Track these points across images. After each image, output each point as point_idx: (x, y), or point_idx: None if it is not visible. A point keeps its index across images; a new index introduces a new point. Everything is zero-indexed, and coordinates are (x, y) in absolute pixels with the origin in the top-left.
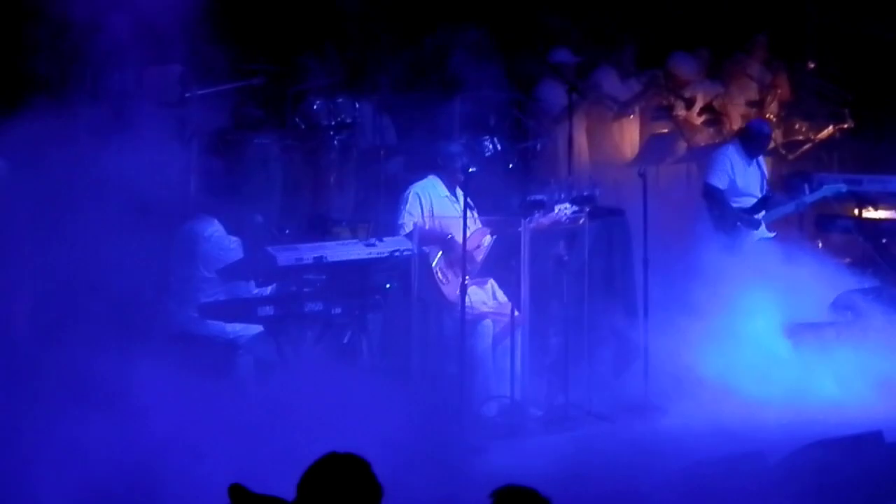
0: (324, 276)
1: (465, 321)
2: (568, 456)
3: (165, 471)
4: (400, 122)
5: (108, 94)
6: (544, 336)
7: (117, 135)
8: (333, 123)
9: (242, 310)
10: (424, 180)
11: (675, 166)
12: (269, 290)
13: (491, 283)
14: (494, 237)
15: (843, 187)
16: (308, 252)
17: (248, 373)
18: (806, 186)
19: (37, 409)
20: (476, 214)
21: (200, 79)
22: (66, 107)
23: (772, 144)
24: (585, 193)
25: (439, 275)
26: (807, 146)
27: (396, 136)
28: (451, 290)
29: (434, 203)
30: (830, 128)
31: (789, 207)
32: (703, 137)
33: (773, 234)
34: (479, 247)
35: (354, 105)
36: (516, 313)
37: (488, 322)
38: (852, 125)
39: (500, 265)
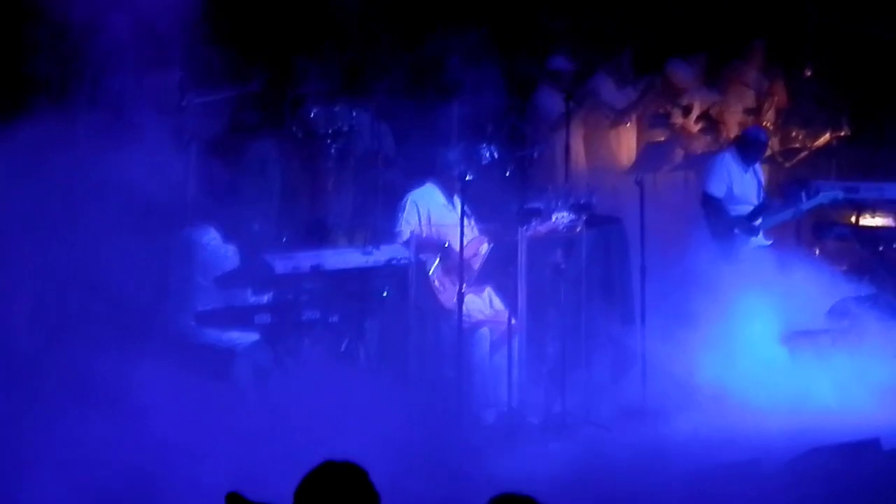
0: (321, 284)
1: (462, 329)
2: (566, 463)
3: (162, 478)
4: (397, 129)
5: (107, 99)
6: (542, 343)
7: (115, 140)
8: (331, 131)
9: (239, 317)
10: (422, 188)
11: (671, 174)
12: (266, 297)
13: (488, 291)
14: (491, 245)
15: (840, 194)
16: (305, 260)
17: (246, 380)
18: (803, 193)
19: (33, 415)
20: (473, 222)
21: (198, 85)
22: (64, 112)
23: (769, 152)
24: (582, 201)
25: (436, 282)
26: (804, 153)
27: (394, 144)
28: (448, 297)
29: (431, 210)
30: (827, 135)
31: (786, 214)
32: (700, 145)
33: (770, 242)
34: (476, 254)
35: (352, 112)
36: (513, 321)
37: (485, 330)
38: (849, 132)
39: (497, 273)
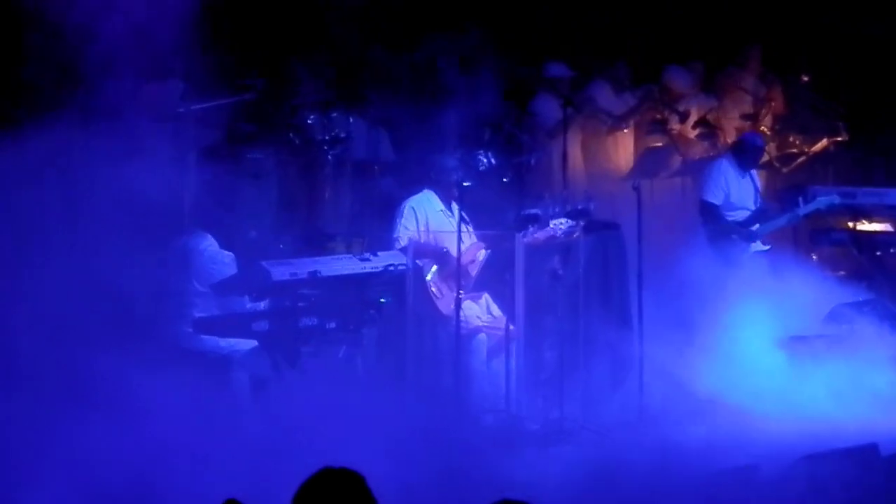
0: (318, 291)
1: (460, 335)
2: (564, 469)
3: (160, 484)
4: (395, 136)
5: (104, 107)
6: (539, 350)
7: (113, 148)
8: (327, 138)
9: (237, 325)
10: (420, 194)
11: (669, 180)
12: (263, 304)
13: (485, 298)
14: (489, 251)
15: (837, 199)
16: (302, 267)
17: (243, 388)
18: (800, 199)
19: (30, 419)
20: (471, 228)
21: (195, 93)
22: (61, 119)
23: (766, 157)
24: (580, 207)
25: (434, 289)
26: (801, 159)
27: (391, 151)
28: (445, 304)
29: (429, 217)
30: (825, 140)
31: (783, 220)
32: (698, 151)
33: (767, 247)
34: (473, 261)
35: (348, 119)
36: (511, 327)
37: (483, 336)
38: (846, 138)
39: (494, 279)
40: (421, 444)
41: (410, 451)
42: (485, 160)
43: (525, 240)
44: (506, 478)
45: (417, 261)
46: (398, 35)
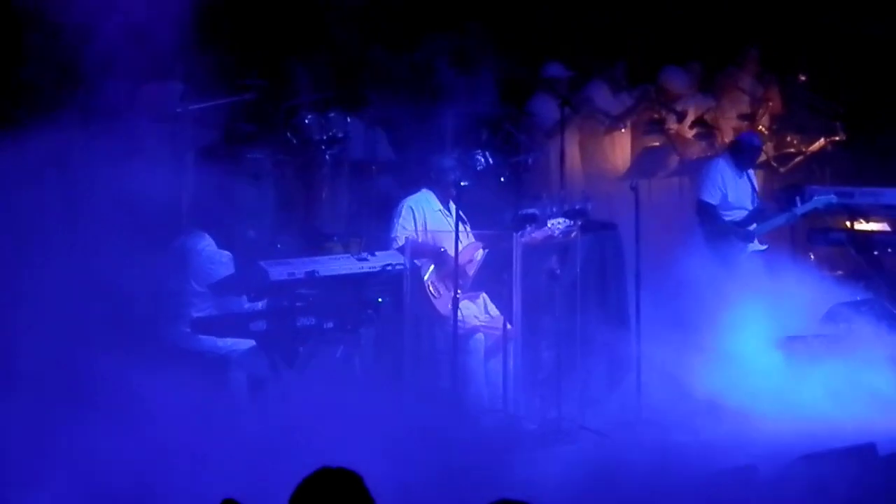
0: (316, 291)
1: (457, 335)
2: (561, 469)
3: (158, 484)
4: (393, 136)
5: (102, 107)
6: (537, 350)
7: (111, 148)
8: (325, 138)
9: (234, 324)
10: (417, 194)
11: (667, 180)
12: (261, 304)
13: (483, 297)
14: (486, 251)
15: (834, 199)
16: (300, 266)
17: (241, 388)
18: (798, 199)
19: (24, 421)
20: (469, 228)
21: (193, 94)
22: (59, 121)
23: (763, 157)
24: (577, 207)
25: (431, 289)
26: (798, 159)
27: (390, 150)
28: (442, 303)
29: (427, 216)
30: (822, 140)
31: (780, 219)
32: (695, 151)
33: (765, 247)
34: (471, 261)
35: (346, 119)
36: (509, 326)
37: (480, 336)
38: (844, 137)
39: (492, 279)
40: (418, 443)
41: (408, 450)
42: (482, 160)
43: (523, 239)
44: (503, 478)
45: (415, 260)
46: (396, 35)
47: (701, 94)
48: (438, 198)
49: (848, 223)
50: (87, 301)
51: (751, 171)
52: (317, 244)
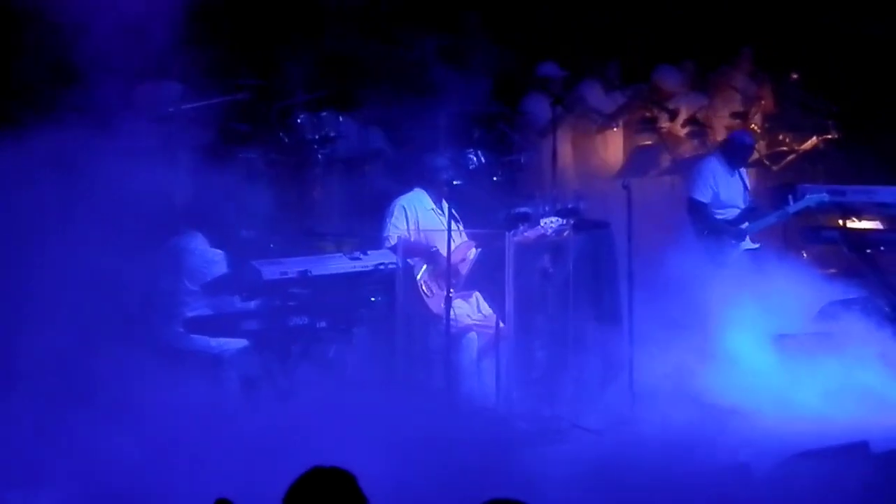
0: (309, 290)
1: (450, 334)
2: (555, 468)
3: (151, 484)
4: (385, 135)
5: (95, 107)
6: (530, 349)
7: (103, 148)
8: (318, 137)
9: (227, 324)
10: (410, 193)
11: (659, 178)
12: (253, 304)
13: (476, 296)
14: (479, 250)
15: (826, 197)
16: (293, 266)
17: (234, 387)
18: (790, 197)
19: (18, 420)
20: (462, 227)
21: (186, 92)
22: (53, 120)
23: (756, 156)
24: (570, 206)
25: (423, 288)
26: (791, 157)
27: (385, 149)
28: (435, 302)
29: (420, 216)
30: (814, 138)
31: (773, 218)
32: (687, 149)
33: (757, 245)
34: (464, 260)
35: (339, 119)
36: (501, 325)
37: (473, 335)
38: (836, 136)
39: (485, 278)
40: (411, 443)
41: (401, 449)
42: (475, 159)
43: (515, 238)
44: (497, 476)
45: (408, 260)
46: (389, 34)
47: (693, 93)
48: (431, 197)
49: (840, 221)
50: (81, 300)
51: (743, 170)
52: (309, 243)
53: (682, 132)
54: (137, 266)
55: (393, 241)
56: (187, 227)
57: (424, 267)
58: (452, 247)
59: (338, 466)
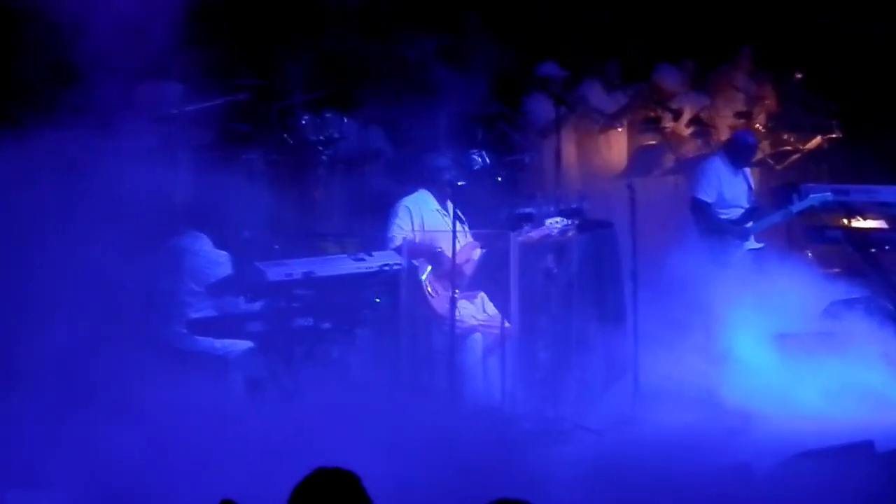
0: (313, 292)
1: (455, 335)
2: (560, 468)
3: (155, 485)
4: (388, 135)
5: (97, 108)
6: (534, 349)
7: (105, 149)
8: (321, 138)
9: (231, 325)
10: (414, 194)
11: (662, 178)
12: (258, 305)
13: (481, 297)
14: (484, 250)
15: (830, 197)
16: (297, 267)
17: (239, 388)
18: (794, 196)
19: (18, 421)
20: (466, 228)
21: (188, 93)
22: (53, 121)
23: (759, 155)
24: (573, 206)
25: (428, 288)
26: (795, 157)
27: (388, 150)
28: (440, 303)
29: (424, 216)
30: (818, 138)
31: (776, 217)
32: (691, 149)
33: (761, 245)
34: (468, 260)
35: (342, 119)
36: (506, 324)
37: (478, 335)
38: (840, 135)
39: (489, 278)
40: (416, 443)
41: (405, 450)
42: (478, 159)
43: (519, 239)
44: (501, 477)
45: (413, 260)
46: (391, 34)
47: (696, 93)
48: (436, 197)
49: (844, 221)
50: (84, 301)
51: (746, 170)
52: (313, 245)
53: (686, 132)
54: (140, 267)
55: (397, 242)
56: (191, 228)
57: (429, 268)
58: (457, 247)
59: (342, 467)
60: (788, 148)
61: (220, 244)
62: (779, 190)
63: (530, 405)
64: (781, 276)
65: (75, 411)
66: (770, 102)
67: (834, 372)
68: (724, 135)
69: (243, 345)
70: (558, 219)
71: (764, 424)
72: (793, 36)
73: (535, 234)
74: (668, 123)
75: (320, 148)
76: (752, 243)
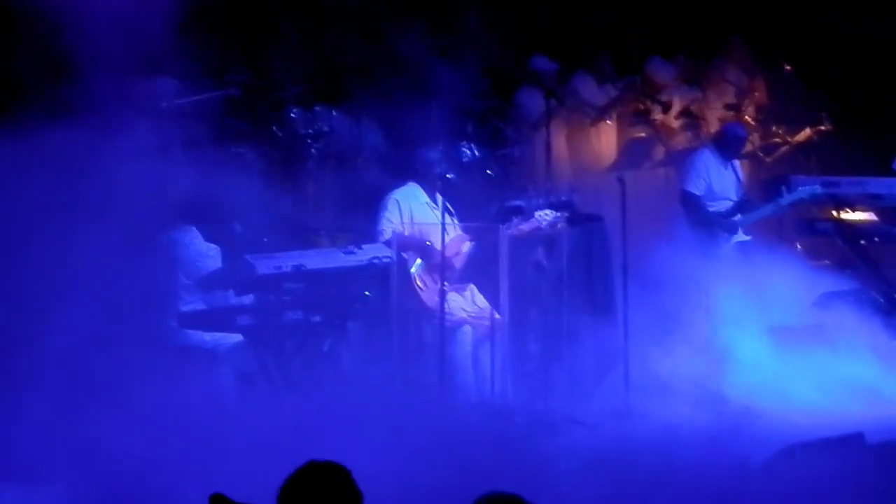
0: (303, 285)
1: (444, 328)
2: (550, 461)
3: (145, 479)
4: (378, 129)
5: (88, 103)
6: (524, 342)
7: (96, 143)
8: (311, 131)
9: (221, 319)
10: (404, 187)
11: (653, 171)
12: (248, 298)
13: (471, 289)
14: (474, 243)
15: (819, 189)
16: (287, 260)
17: (228, 382)
18: (783, 189)
19: (9, 422)
20: (456, 221)
21: (179, 87)
22: (46, 117)
23: (749, 148)
24: (564, 199)
25: (418, 281)
26: (784, 149)
27: (378, 143)
28: (429, 296)
29: (414, 210)
30: (808, 130)
31: (766, 210)
32: (681, 141)
33: (749, 237)
34: (458, 253)
35: (332, 113)
36: (496, 316)
37: (467, 328)
38: (830, 128)
39: (479, 271)
40: (406, 436)
41: (395, 443)
42: (469, 152)
43: (509, 232)
44: (491, 470)
45: (402, 253)
46: (382, 28)
47: (686, 86)
48: (425, 190)
49: (834, 213)
50: (75, 295)
51: (736, 162)
52: (303, 238)
53: (676, 124)
54: (131, 261)
55: (387, 236)
56: (181, 222)
57: (418, 261)
58: (446, 240)
59: (332, 461)
60: (778, 140)
61: (210, 237)
62: (768, 182)
63: (521, 398)
64: (771, 268)
65: (65, 406)
66: (760, 95)
67: (824, 364)
68: (714, 127)
69: (233, 338)
70: (548, 212)
71: (755, 417)
72: (782, 29)
73: (525, 226)
74: (658, 116)
75: (309, 141)
76: (741, 236)
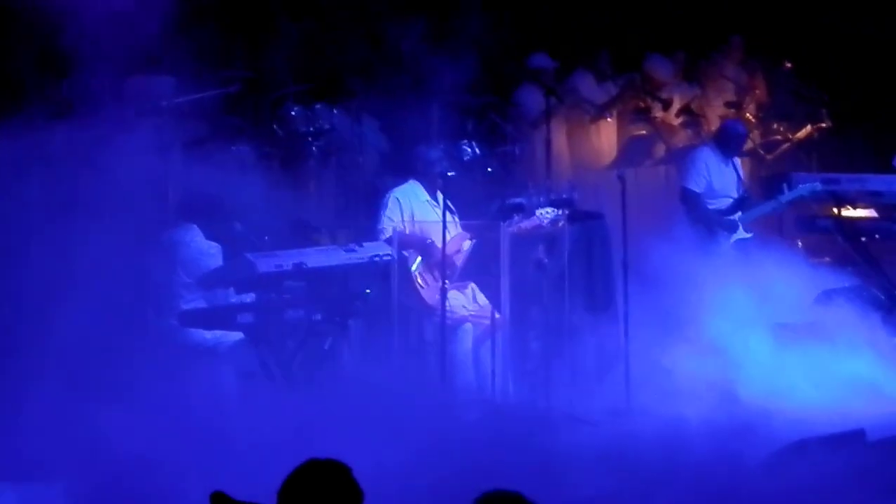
0: (304, 283)
1: (445, 325)
2: (551, 459)
3: (145, 478)
4: (379, 127)
5: (88, 101)
6: (525, 339)
7: (96, 142)
8: (312, 129)
9: (222, 317)
10: (405, 185)
11: (653, 168)
12: (249, 297)
13: (471, 287)
14: (474, 241)
15: (819, 186)
16: (288, 258)
17: (229, 380)
18: (784, 186)
19: (5, 420)
20: (457, 219)
21: (179, 86)
22: (45, 114)
23: (750, 145)
24: (564, 196)
25: (418, 279)
26: (785, 146)
27: (378, 142)
28: (430, 294)
29: (414, 208)
30: (808, 128)
31: (766, 208)
32: (681, 139)
33: (750, 235)
34: (459, 251)
35: (332, 111)
36: (497, 315)
37: (468, 326)
38: (830, 125)
39: (480, 269)
40: (407, 434)
41: (396, 441)
42: (469, 150)
43: (510, 229)
44: (492, 468)
45: (403, 251)
46: (382, 26)
47: (686, 83)
48: (426, 188)
49: (835, 210)
50: (75, 294)
51: (736, 160)
52: (304, 236)
53: (676, 122)
54: (132, 259)
55: (388, 234)
56: (182, 220)
57: (419, 259)
58: (447, 238)
59: (333, 458)
60: (778, 137)
61: (211, 236)
62: (769, 180)
63: (522, 395)
64: (772, 265)
65: (68, 405)
66: (760, 92)
67: (825, 361)
68: (715, 125)
69: (234, 336)
70: (549, 209)
71: (756, 414)
72: (782, 25)
73: (525, 224)
74: (658, 113)
75: (310, 139)
76: (742, 233)
